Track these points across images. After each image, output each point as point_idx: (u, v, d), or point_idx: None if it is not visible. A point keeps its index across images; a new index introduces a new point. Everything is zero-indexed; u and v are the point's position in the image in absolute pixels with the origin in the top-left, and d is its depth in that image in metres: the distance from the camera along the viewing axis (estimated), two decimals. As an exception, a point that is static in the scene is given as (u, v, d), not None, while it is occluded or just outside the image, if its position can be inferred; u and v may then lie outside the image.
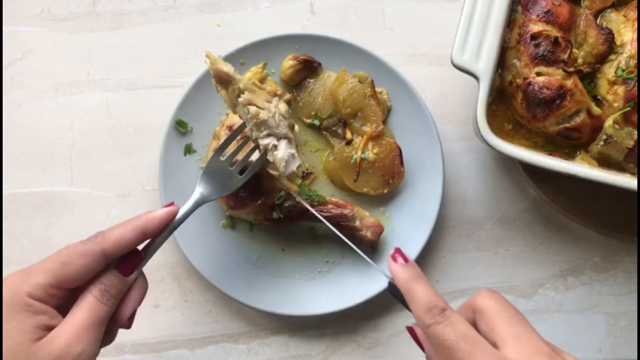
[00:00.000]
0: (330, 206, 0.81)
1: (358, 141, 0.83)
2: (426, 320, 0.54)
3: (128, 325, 0.60)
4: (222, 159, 0.73)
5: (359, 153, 0.82)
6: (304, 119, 0.85)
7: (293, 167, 0.73)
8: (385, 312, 0.85)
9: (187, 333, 0.85)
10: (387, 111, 0.85)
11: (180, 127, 0.83)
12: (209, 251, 0.82)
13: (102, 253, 0.57)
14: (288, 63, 0.83)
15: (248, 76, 0.84)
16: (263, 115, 0.70)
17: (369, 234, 0.80)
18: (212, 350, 0.84)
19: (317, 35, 0.84)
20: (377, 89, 0.83)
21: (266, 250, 0.84)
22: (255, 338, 0.85)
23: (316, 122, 0.85)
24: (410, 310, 0.57)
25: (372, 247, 0.81)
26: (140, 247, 0.62)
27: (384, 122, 0.85)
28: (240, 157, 0.74)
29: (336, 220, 0.80)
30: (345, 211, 0.81)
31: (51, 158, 0.87)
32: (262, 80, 0.85)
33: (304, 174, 0.84)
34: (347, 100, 0.82)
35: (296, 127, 0.82)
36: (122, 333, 0.63)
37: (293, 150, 0.73)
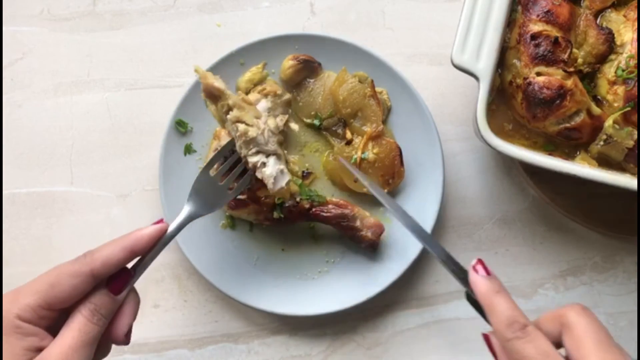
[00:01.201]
0: (330, 206, 0.81)
1: (358, 141, 0.83)
2: (507, 334, 0.54)
3: (126, 341, 0.60)
4: (211, 174, 0.72)
5: (359, 153, 0.82)
6: (304, 119, 0.85)
7: (282, 183, 0.73)
8: (385, 312, 0.85)
9: (187, 333, 0.85)
10: (387, 111, 0.85)
11: (180, 127, 0.83)
12: (209, 251, 0.82)
13: (91, 273, 0.56)
14: (288, 63, 0.83)
15: (248, 76, 0.84)
16: (252, 132, 0.70)
17: (369, 234, 0.80)
18: (212, 350, 0.84)
19: (317, 35, 0.84)
20: (377, 89, 0.83)
21: (266, 250, 0.84)
22: (255, 338, 0.85)
23: (316, 122, 0.85)
24: (486, 320, 0.57)
25: (373, 247, 0.81)
26: (130, 264, 0.61)
27: (384, 122, 0.85)
28: (230, 171, 0.73)
29: (337, 220, 0.80)
30: (346, 211, 0.81)
31: (51, 158, 0.87)
32: (262, 80, 0.85)
33: (304, 174, 0.84)
34: (347, 100, 0.82)
35: (296, 127, 0.82)
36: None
37: (282, 166, 0.73)
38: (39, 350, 0.54)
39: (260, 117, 0.73)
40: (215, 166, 0.74)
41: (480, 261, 0.60)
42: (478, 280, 0.58)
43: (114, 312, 0.59)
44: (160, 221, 0.63)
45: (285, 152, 0.84)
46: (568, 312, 0.55)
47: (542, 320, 0.57)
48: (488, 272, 0.59)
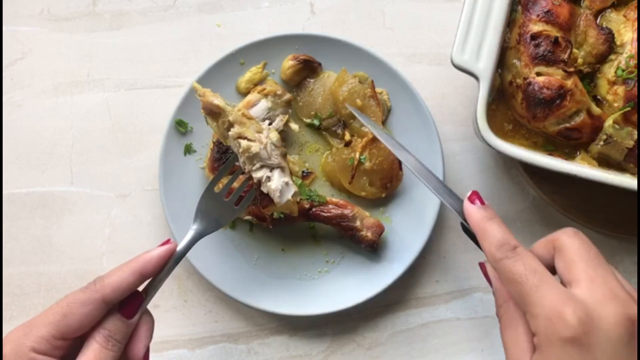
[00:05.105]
0: (330, 206, 0.81)
1: (357, 142, 0.82)
2: (497, 255, 0.55)
3: None
4: (215, 191, 0.72)
5: (357, 155, 0.81)
6: (304, 119, 0.86)
7: (288, 195, 0.72)
8: (385, 312, 0.85)
9: (187, 333, 0.85)
10: (387, 111, 0.85)
11: (180, 127, 0.83)
12: (208, 251, 0.82)
13: (103, 300, 0.56)
14: (288, 63, 0.83)
15: (248, 76, 0.84)
16: (254, 148, 0.70)
17: (369, 234, 0.80)
18: (212, 350, 0.84)
19: (317, 35, 0.84)
20: (377, 89, 0.83)
21: (266, 250, 0.84)
22: (255, 338, 0.85)
23: (316, 122, 0.85)
24: (481, 249, 0.58)
25: (373, 247, 0.81)
26: (141, 287, 0.61)
27: (384, 122, 0.85)
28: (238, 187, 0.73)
29: (337, 220, 0.80)
30: (346, 211, 0.81)
31: (51, 158, 0.87)
32: (262, 80, 0.85)
33: (304, 174, 0.84)
34: (347, 101, 0.82)
35: (296, 127, 0.82)
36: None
37: (287, 179, 0.73)
38: None
39: (262, 132, 0.72)
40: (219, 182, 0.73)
41: (475, 192, 0.62)
42: (472, 209, 0.60)
43: (129, 336, 0.59)
44: (168, 241, 0.62)
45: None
46: (560, 236, 0.56)
47: (536, 246, 0.58)
48: (482, 203, 0.61)
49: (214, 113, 0.71)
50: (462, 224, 0.64)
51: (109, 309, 0.57)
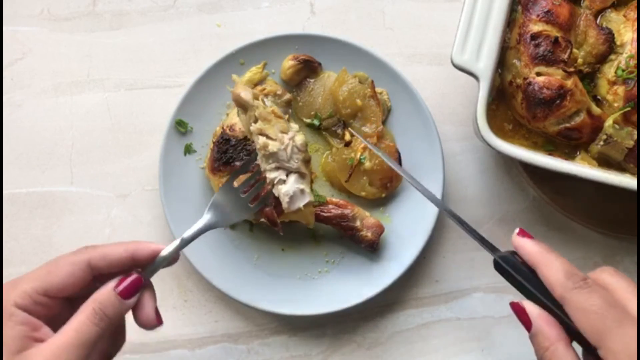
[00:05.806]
0: (330, 206, 0.81)
1: (357, 142, 0.82)
2: (568, 284, 0.53)
3: (159, 322, 0.60)
4: (235, 185, 0.71)
5: (357, 155, 0.81)
6: (304, 119, 0.86)
7: (299, 203, 0.70)
8: (385, 312, 0.85)
9: (187, 333, 0.85)
10: (387, 111, 0.85)
11: (180, 127, 0.83)
12: (208, 251, 0.82)
13: (88, 262, 0.57)
14: (288, 63, 0.83)
15: (248, 76, 0.84)
16: (272, 147, 0.69)
17: (369, 234, 0.80)
18: (212, 350, 0.84)
19: (317, 35, 0.84)
20: (377, 89, 0.83)
21: (266, 250, 0.84)
22: (255, 338, 0.85)
23: (316, 122, 0.85)
24: (519, 290, 0.57)
25: (373, 247, 0.81)
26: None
27: (384, 122, 0.85)
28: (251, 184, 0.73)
29: (337, 220, 0.80)
30: (346, 211, 0.81)
31: (51, 158, 0.87)
32: (262, 80, 0.85)
33: (304, 174, 0.84)
34: (347, 101, 0.82)
35: (296, 127, 0.82)
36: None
37: (303, 186, 0.70)
38: (35, 340, 0.53)
39: (287, 132, 0.70)
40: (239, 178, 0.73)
41: (522, 230, 0.60)
42: (527, 243, 0.58)
43: (122, 316, 0.58)
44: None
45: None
46: (602, 275, 0.55)
47: None
48: (531, 238, 0.59)
49: (243, 106, 0.70)
50: (495, 262, 0.61)
51: (93, 275, 0.57)
